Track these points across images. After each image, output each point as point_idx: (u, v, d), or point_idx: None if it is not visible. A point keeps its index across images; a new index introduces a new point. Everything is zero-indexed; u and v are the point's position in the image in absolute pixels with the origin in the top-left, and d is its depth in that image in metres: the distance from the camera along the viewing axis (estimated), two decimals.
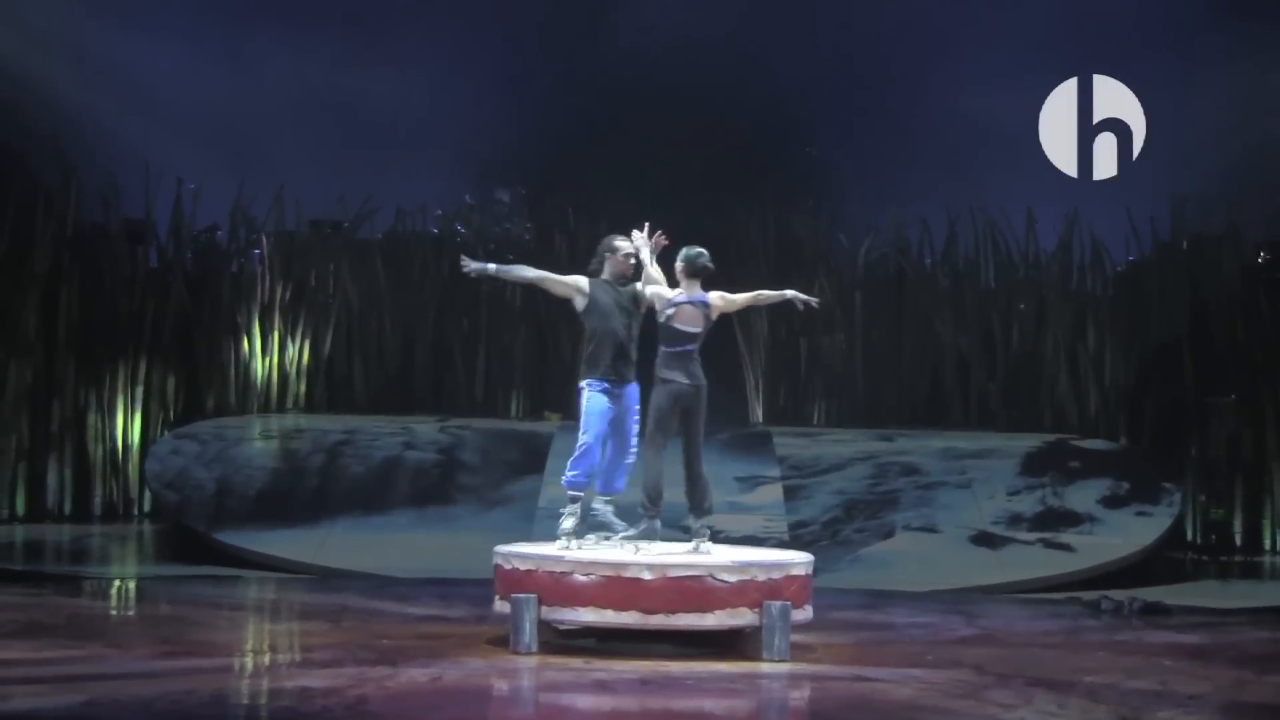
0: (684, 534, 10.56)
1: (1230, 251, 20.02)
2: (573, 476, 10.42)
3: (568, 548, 10.14)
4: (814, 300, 10.56)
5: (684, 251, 10.46)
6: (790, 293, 10.50)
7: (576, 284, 10.62)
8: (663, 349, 10.35)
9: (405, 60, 23.19)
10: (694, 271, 10.39)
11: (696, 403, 10.33)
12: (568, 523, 10.34)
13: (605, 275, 10.62)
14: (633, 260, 10.60)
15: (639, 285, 10.57)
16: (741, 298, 10.57)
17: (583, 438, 10.40)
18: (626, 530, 10.30)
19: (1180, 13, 21.09)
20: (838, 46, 22.80)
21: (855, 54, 22.74)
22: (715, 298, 10.45)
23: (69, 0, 21.42)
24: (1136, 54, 20.13)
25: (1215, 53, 20.74)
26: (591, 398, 10.41)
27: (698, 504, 10.37)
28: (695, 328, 10.34)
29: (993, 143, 21.23)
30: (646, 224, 10.56)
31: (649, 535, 10.21)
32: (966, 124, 22.24)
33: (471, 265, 10.61)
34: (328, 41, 23.21)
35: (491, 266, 10.74)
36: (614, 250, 10.63)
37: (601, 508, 10.51)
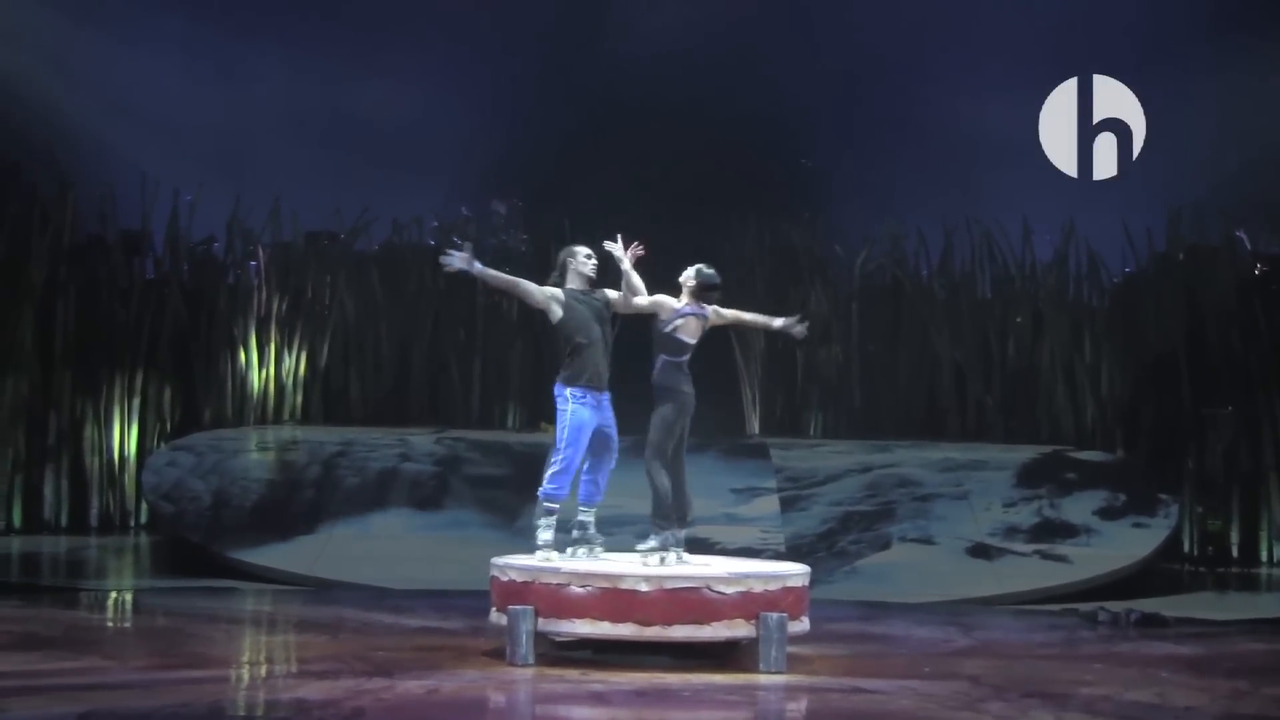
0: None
1: (1227, 263, 20.03)
2: (554, 490, 10.29)
3: (549, 559, 10.12)
4: (800, 328, 10.62)
5: (699, 268, 10.47)
6: (780, 322, 10.56)
7: (552, 294, 10.49)
8: (665, 359, 10.36)
9: (402, 73, 23.21)
10: (707, 288, 10.44)
11: (692, 412, 10.38)
12: (547, 534, 10.26)
13: (572, 284, 10.56)
14: (593, 261, 10.60)
15: (610, 292, 10.57)
16: (730, 313, 10.64)
17: (566, 451, 10.27)
18: (600, 541, 10.40)
19: (1180, 19, 21.11)
20: (833, 58, 22.82)
21: (851, 65, 22.77)
22: (712, 311, 10.50)
23: (66, 13, 21.43)
24: (1136, 59, 20.13)
25: (1213, 61, 20.77)
26: (576, 410, 10.29)
27: (683, 514, 10.37)
28: (695, 339, 10.40)
29: (989, 154, 21.28)
30: (619, 235, 10.54)
31: (671, 545, 10.21)
32: (963, 135, 22.28)
33: (455, 260, 10.46)
34: (325, 54, 23.22)
35: (476, 265, 10.56)
36: (574, 255, 10.60)
37: (588, 519, 10.50)
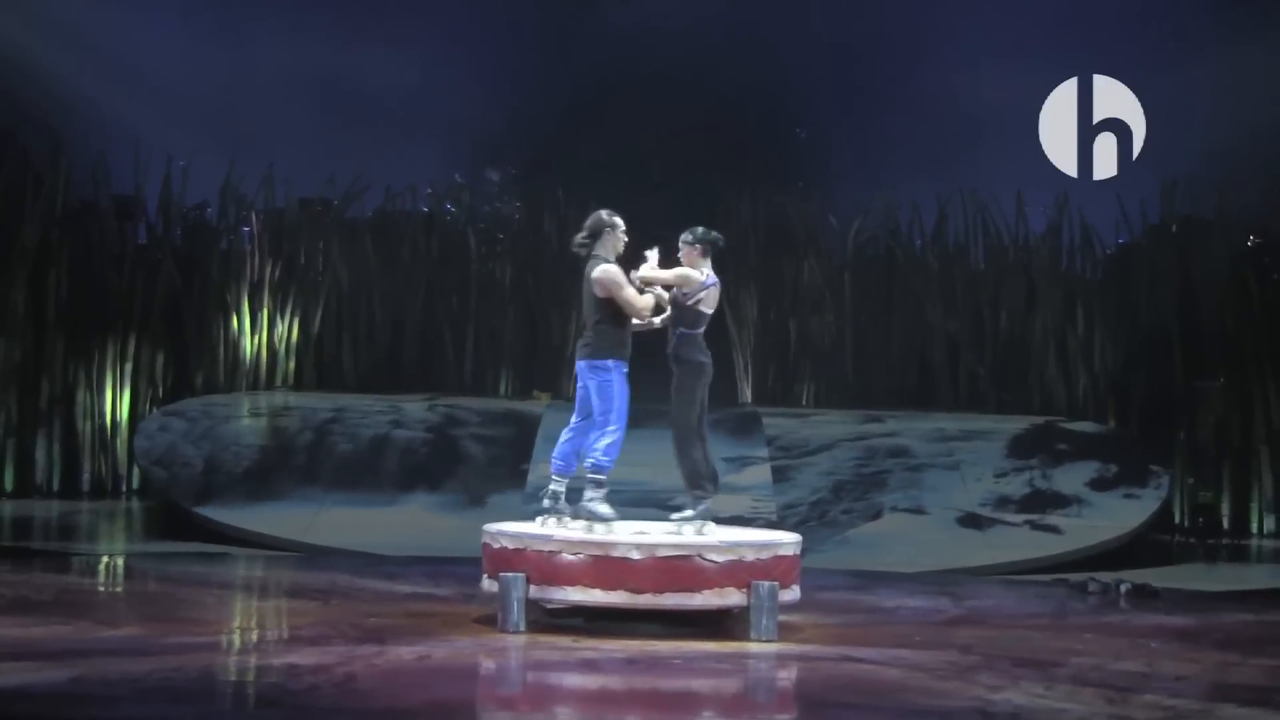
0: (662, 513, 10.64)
1: (1220, 236, 20.02)
2: (609, 461, 10.10)
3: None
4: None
5: (705, 230, 10.35)
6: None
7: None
8: (684, 331, 10.23)
9: (397, 39, 23.15)
10: (718, 249, 10.37)
11: (710, 381, 10.36)
12: (604, 507, 10.10)
13: (608, 254, 10.29)
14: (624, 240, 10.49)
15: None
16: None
17: (618, 422, 10.10)
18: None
19: None
20: (829, 28, 22.76)
21: (847, 36, 22.72)
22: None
23: None
24: (1129, 40, 20.10)
25: (1206, 38, 20.73)
26: (624, 381, 10.18)
27: (715, 481, 10.34)
28: (714, 309, 10.35)
29: (984, 126, 21.24)
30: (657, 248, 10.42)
31: (707, 516, 10.18)
32: (958, 107, 22.24)
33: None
34: (319, 20, 23.16)
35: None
36: (616, 226, 10.33)
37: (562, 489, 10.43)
